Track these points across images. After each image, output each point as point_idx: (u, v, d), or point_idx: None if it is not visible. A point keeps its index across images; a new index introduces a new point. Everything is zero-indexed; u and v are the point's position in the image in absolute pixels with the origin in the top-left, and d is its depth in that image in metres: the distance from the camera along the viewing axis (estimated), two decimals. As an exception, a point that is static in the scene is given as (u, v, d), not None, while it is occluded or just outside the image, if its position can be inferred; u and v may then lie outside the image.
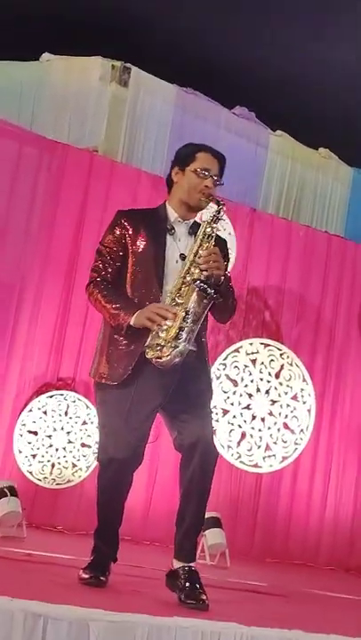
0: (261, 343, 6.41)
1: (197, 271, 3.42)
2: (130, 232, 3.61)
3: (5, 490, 4.99)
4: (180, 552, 3.46)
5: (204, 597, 3.30)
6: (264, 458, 6.27)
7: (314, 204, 7.93)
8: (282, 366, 6.43)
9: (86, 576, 3.46)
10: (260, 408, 6.31)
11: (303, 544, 6.43)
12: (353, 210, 8.04)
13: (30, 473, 5.55)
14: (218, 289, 3.42)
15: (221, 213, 3.55)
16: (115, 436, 3.50)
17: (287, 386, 6.42)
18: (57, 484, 5.63)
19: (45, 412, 5.63)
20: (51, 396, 5.66)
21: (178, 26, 7.44)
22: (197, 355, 3.57)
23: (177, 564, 3.42)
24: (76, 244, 5.89)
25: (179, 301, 3.42)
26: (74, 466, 5.68)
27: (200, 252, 3.47)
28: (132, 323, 3.43)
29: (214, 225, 3.54)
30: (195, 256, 3.47)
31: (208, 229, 3.53)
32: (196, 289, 3.39)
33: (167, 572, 3.47)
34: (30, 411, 5.59)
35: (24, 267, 5.75)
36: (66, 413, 5.68)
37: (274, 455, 6.31)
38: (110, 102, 6.88)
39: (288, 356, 6.47)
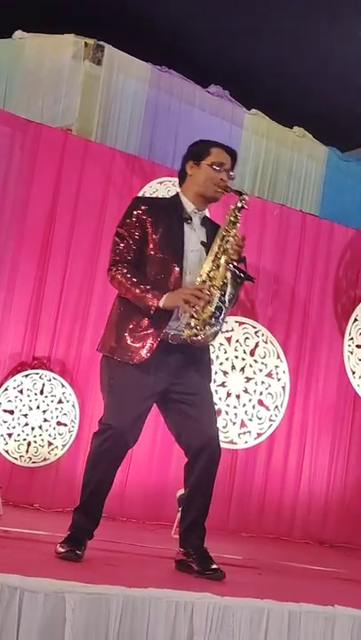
0: (236, 321, 6.45)
1: (225, 256, 3.59)
2: (149, 218, 3.70)
3: (-18, 468, 5.02)
4: (185, 541, 3.67)
5: (218, 567, 3.57)
6: (239, 434, 6.33)
7: (289, 183, 7.94)
8: (257, 344, 6.48)
9: (63, 550, 3.51)
10: (236, 385, 6.36)
11: (278, 518, 6.50)
12: (328, 189, 8.07)
13: (6, 452, 5.57)
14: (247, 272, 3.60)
15: (244, 202, 3.71)
16: (118, 407, 3.60)
17: (262, 363, 6.48)
18: (33, 463, 5.66)
19: (21, 391, 5.65)
20: (26, 375, 5.68)
21: (150, 4, 7.40)
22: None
23: (184, 550, 3.64)
24: (49, 224, 5.88)
25: (211, 283, 3.56)
26: (50, 444, 5.71)
27: (227, 237, 3.64)
28: (161, 305, 3.52)
29: (238, 213, 3.71)
30: (222, 241, 3.64)
31: (233, 217, 3.70)
32: (230, 270, 3.56)
33: (176, 559, 3.69)
34: (6, 390, 5.61)
35: (-2, 246, 5.74)
36: (41, 392, 5.70)
37: (249, 432, 6.37)
38: (84, 81, 6.82)
39: (263, 334, 6.51)
